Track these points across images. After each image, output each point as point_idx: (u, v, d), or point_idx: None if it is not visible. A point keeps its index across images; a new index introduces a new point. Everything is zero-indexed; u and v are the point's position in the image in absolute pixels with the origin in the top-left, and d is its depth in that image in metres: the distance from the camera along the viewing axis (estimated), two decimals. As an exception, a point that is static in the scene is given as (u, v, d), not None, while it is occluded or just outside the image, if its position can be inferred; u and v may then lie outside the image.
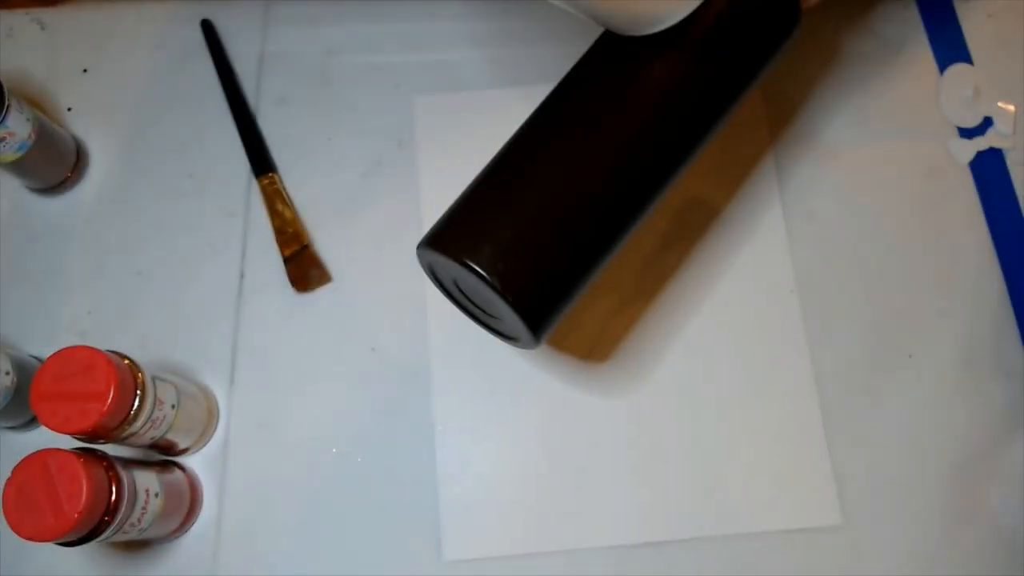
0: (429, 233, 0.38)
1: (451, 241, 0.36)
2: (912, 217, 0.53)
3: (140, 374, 0.41)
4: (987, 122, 0.55)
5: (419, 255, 0.39)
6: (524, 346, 0.39)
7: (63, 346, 0.39)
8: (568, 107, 0.39)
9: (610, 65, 0.39)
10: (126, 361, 0.41)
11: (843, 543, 0.46)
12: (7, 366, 0.45)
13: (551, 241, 0.36)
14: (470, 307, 0.41)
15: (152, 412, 0.41)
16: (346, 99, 0.56)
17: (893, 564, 0.46)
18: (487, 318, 0.41)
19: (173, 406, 0.43)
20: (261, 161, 0.54)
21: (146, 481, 0.42)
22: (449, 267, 0.37)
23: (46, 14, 0.59)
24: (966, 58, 0.56)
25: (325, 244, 0.53)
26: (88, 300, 0.52)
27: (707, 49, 0.37)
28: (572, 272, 0.37)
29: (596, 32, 0.41)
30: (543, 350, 0.50)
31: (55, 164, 0.53)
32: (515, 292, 0.35)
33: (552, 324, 0.37)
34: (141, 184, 0.54)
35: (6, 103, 0.47)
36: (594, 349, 0.50)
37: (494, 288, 0.34)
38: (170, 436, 0.44)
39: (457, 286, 0.40)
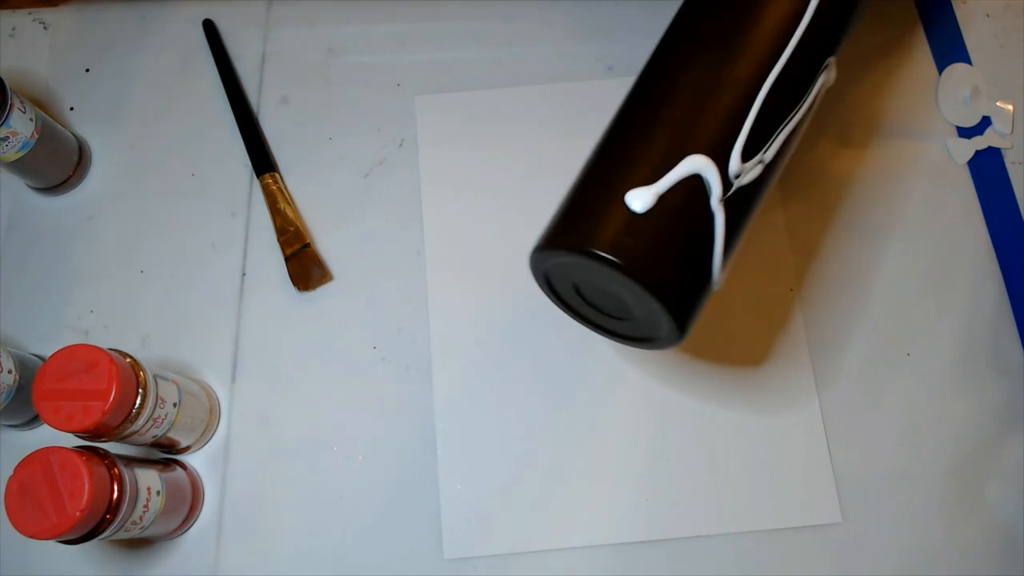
0: (544, 235, 0.34)
1: (575, 235, 0.33)
2: (911, 216, 0.53)
3: (142, 372, 0.41)
4: (986, 121, 0.55)
5: (533, 262, 0.35)
6: (662, 346, 0.36)
7: (65, 344, 0.39)
8: (675, 66, 0.36)
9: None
10: (128, 359, 0.41)
11: (843, 541, 0.46)
12: (9, 364, 0.45)
13: (699, 237, 0.33)
14: (588, 312, 0.38)
15: (154, 410, 0.42)
16: (347, 99, 0.56)
17: (892, 561, 0.46)
18: (609, 321, 0.38)
19: (175, 404, 0.44)
20: (262, 160, 0.54)
21: (148, 479, 0.42)
22: (572, 267, 0.34)
23: (48, 14, 0.59)
24: (965, 58, 0.56)
25: (326, 243, 0.53)
26: (90, 299, 0.52)
27: None
28: (711, 254, 0.34)
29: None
30: (543, 350, 0.50)
31: (57, 163, 0.53)
32: (678, 302, 0.32)
33: (698, 314, 0.34)
34: (143, 183, 0.55)
35: (9, 102, 0.47)
36: (592, 350, 0.50)
37: (635, 277, 0.31)
38: (172, 434, 0.44)
39: (578, 291, 0.37)
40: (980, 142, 0.54)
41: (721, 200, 0.33)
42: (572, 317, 0.39)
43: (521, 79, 0.56)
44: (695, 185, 0.33)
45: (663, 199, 0.33)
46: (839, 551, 0.46)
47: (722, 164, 0.33)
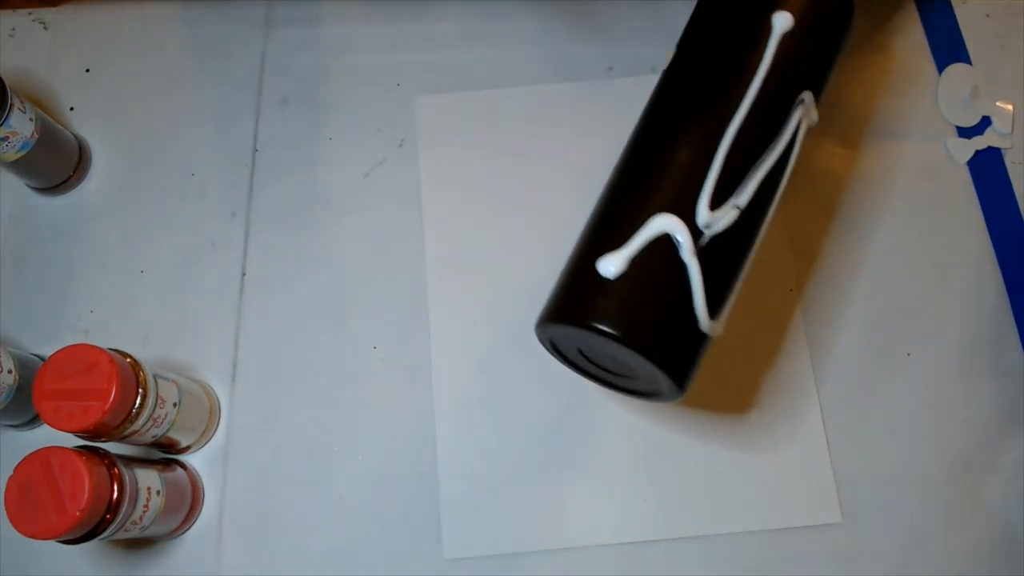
0: (546, 309, 0.36)
1: (574, 309, 0.35)
2: (911, 216, 0.53)
3: (142, 372, 0.41)
4: (985, 121, 0.55)
5: (539, 332, 0.37)
6: (667, 399, 0.38)
7: (65, 344, 0.39)
8: (648, 149, 0.38)
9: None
10: (128, 359, 0.41)
11: (843, 541, 0.46)
12: (10, 364, 0.45)
13: (678, 290, 0.34)
14: (598, 372, 0.40)
15: (154, 410, 0.42)
16: (347, 99, 0.56)
17: (892, 561, 0.46)
18: (617, 379, 0.39)
19: (175, 404, 0.44)
20: None
21: (148, 479, 0.42)
22: (574, 337, 0.36)
23: (48, 14, 0.59)
24: (964, 58, 0.56)
25: (327, 243, 0.53)
26: (90, 298, 0.52)
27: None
28: (692, 305, 0.35)
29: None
30: (543, 349, 0.50)
31: (57, 163, 0.53)
32: (666, 357, 0.33)
33: (695, 365, 0.36)
34: (143, 183, 0.55)
35: (9, 102, 0.47)
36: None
37: (646, 356, 0.33)
38: (172, 434, 0.44)
39: (583, 355, 0.38)
40: (980, 142, 0.54)
41: (693, 252, 0.34)
42: (584, 376, 0.41)
43: (521, 79, 0.56)
44: (665, 243, 0.34)
45: (635, 263, 0.34)
46: (839, 551, 0.46)
47: (689, 218, 0.35)
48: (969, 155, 0.54)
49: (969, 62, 0.56)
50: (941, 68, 0.56)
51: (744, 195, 0.35)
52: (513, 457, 0.48)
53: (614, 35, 0.57)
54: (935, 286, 0.51)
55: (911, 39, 0.57)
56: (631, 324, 0.33)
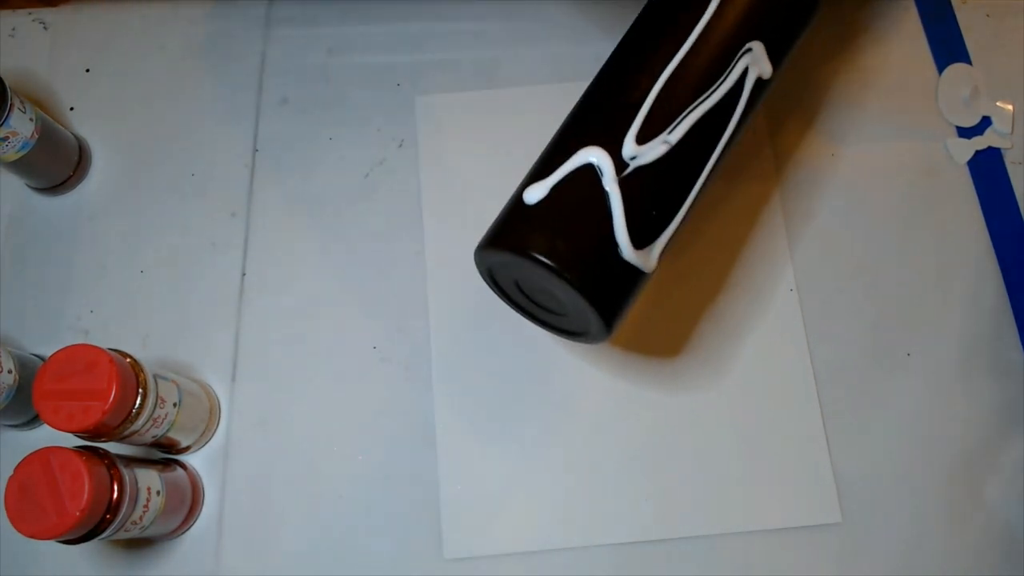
0: (487, 235, 0.37)
1: (513, 237, 0.36)
2: (911, 216, 0.53)
3: (142, 372, 0.41)
4: (985, 121, 0.55)
5: (478, 259, 0.38)
6: (593, 340, 0.39)
7: (65, 344, 0.39)
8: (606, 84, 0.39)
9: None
10: (128, 359, 0.41)
11: (843, 541, 0.46)
12: (10, 364, 0.45)
13: (598, 216, 0.35)
14: (532, 308, 0.41)
15: (154, 410, 0.42)
16: (347, 99, 0.56)
17: (892, 562, 0.46)
18: (551, 316, 0.40)
19: (175, 404, 0.44)
20: None
21: (148, 479, 0.42)
22: (512, 266, 0.36)
23: (48, 14, 0.59)
24: (964, 58, 0.56)
25: (327, 243, 0.53)
26: (90, 298, 0.52)
27: None
28: (646, 277, 0.36)
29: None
30: (543, 350, 0.50)
31: (57, 163, 0.53)
32: (585, 280, 0.34)
33: (624, 311, 0.37)
34: (143, 183, 0.55)
35: (9, 103, 0.47)
36: (594, 349, 0.50)
37: (563, 277, 0.34)
38: (172, 434, 0.44)
39: (519, 287, 0.39)
40: (980, 142, 0.54)
41: (615, 180, 0.35)
42: (519, 313, 0.42)
43: (521, 79, 0.56)
44: (589, 172, 0.36)
45: (559, 189, 0.36)
46: (839, 551, 0.46)
47: (616, 151, 0.36)
48: (969, 155, 0.54)
49: (969, 62, 0.56)
50: (941, 68, 0.56)
51: (676, 133, 0.36)
52: (513, 457, 0.48)
53: (614, 35, 0.57)
54: (935, 286, 0.51)
55: (911, 39, 0.57)
56: (551, 247, 0.34)
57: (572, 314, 0.38)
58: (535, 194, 0.36)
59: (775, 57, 0.39)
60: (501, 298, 0.42)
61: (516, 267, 0.36)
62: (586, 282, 0.34)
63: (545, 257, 0.34)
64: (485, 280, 0.40)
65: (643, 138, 0.36)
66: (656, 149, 0.36)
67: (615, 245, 0.35)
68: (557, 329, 0.41)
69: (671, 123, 0.36)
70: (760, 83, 0.38)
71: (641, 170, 0.36)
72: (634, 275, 0.36)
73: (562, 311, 0.39)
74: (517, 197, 0.37)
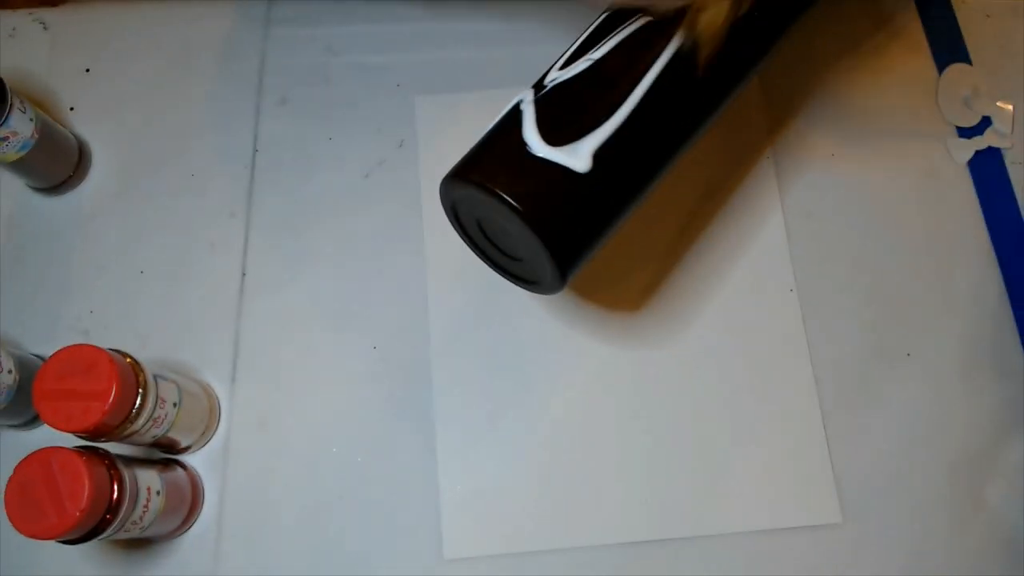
0: (454, 167, 0.38)
1: (472, 168, 0.36)
2: (911, 216, 0.53)
3: (142, 372, 0.41)
4: (985, 122, 0.55)
5: (442, 191, 0.39)
6: (547, 290, 0.39)
7: (65, 344, 0.39)
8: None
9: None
10: (128, 359, 0.41)
11: (843, 541, 0.46)
12: (9, 364, 0.45)
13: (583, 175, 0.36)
14: (491, 252, 0.41)
15: (154, 410, 0.42)
16: (347, 99, 0.56)
17: (893, 562, 0.46)
18: (508, 262, 0.41)
19: (175, 404, 0.44)
20: None
21: (148, 479, 0.42)
22: (474, 201, 0.37)
23: (48, 14, 0.59)
24: (965, 58, 0.56)
25: (327, 243, 0.53)
26: (90, 299, 0.52)
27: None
28: (603, 210, 0.37)
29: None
30: (544, 350, 0.50)
31: (57, 163, 0.53)
32: (541, 221, 0.35)
33: (579, 262, 0.37)
34: (143, 183, 0.55)
35: (9, 103, 0.47)
36: (593, 350, 0.50)
37: (519, 213, 0.34)
38: (172, 434, 0.44)
39: (480, 228, 0.40)
40: (980, 142, 0.54)
41: (532, 101, 0.37)
42: (478, 255, 0.42)
43: (521, 79, 0.56)
44: (516, 109, 0.38)
45: (494, 128, 0.38)
46: (839, 551, 0.46)
47: (541, 84, 0.38)
48: (969, 155, 0.54)
49: (969, 62, 0.56)
50: (941, 68, 0.56)
51: (602, 50, 0.38)
52: (513, 457, 0.48)
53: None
54: (935, 286, 0.51)
55: (911, 39, 0.57)
56: (480, 169, 0.36)
57: (528, 256, 0.38)
58: (479, 138, 0.38)
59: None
60: (468, 244, 0.42)
61: (470, 201, 0.37)
62: (513, 192, 0.35)
63: (471, 176, 0.35)
64: (451, 221, 0.41)
65: (567, 64, 0.38)
66: (578, 67, 0.37)
67: (525, 144, 0.36)
68: (518, 278, 0.41)
69: (597, 46, 0.38)
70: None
71: (560, 85, 0.37)
72: (567, 179, 0.36)
73: (520, 254, 0.39)
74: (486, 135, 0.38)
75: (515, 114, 0.37)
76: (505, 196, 0.35)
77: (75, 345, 0.39)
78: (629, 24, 0.38)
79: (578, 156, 0.36)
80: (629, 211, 0.38)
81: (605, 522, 0.47)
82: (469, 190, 0.36)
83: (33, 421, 0.49)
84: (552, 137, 0.36)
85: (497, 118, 0.38)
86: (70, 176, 0.54)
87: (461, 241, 0.52)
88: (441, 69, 0.57)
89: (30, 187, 0.54)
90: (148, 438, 0.43)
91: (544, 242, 0.35)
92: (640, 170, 0.38)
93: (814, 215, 0.53)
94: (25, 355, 0.48)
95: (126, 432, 0.41)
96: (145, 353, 0.50)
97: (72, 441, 0.39)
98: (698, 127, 0.40)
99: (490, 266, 0.42)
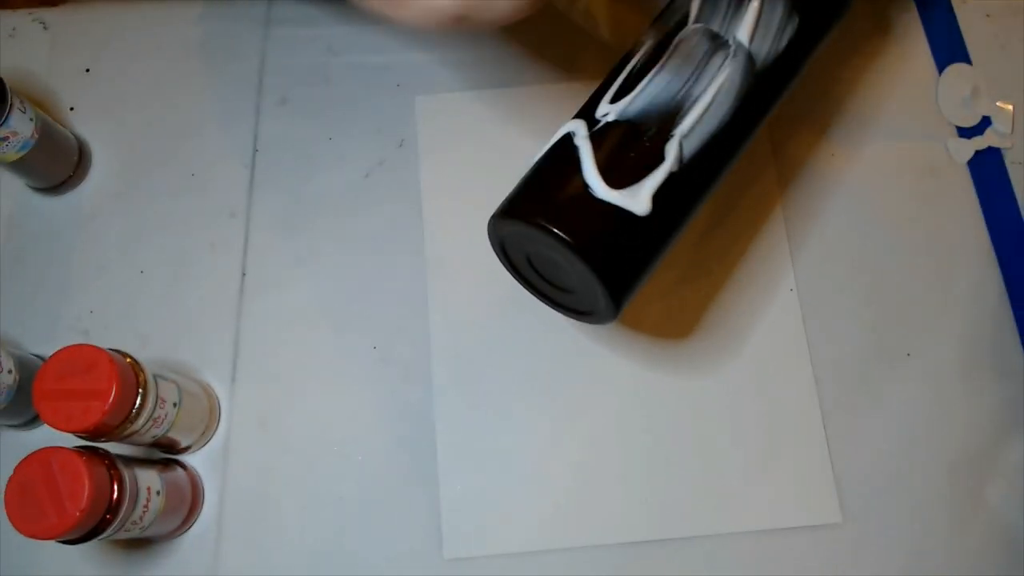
0: (502, 205, 0.38)
1: (527, 207, 0.36)
2: (911, 216, 0.53)
3: (142, 372, 0.41)
4: (986, 121, 0.55)
5: (491, 229, 0.39)
6: (599, 320, 0.39)
7: (65, 344, 0.39)
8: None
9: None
10: (128, 359, 0.41)
11: (843, 541, 0.46)
12: (9, 364, 0.45)
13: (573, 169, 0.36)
14: (541, 285, 0.41)
15: (154, 410, 0.42)
16: (347, 99, 0.56)
17: (893, 562, 0.46)
18: (559, 294, 0.41)
19: (175, 404, 0.44)
20: None
21: (148, 479, 0.42)
22: (523, 237, 0.37)
23: (48, 14, 0.59)
24: (965, 58, 0.56)
25: (327, 243, 0.53)
26: (90, 299, 0.52)
27: None
28: (659, 245, 0.37)
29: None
30: (544, 350, 0.50)
31: (57, 163, 0.53)
32: (602, 262, 0.35)
33: (633, 291, 0.37)
34: (143, 183, 0.55)
35: (9, 103, 0.47)
36: (593, 351, 0.50)
37: (580, 254, 0.34)
38: (172, 434, 0.44)
39: (529, 262, 0.40)
40: (980, 142, 0.54)
41: (586, 136, 0.37)
42: (530, 291, 0.42)
43: (521, 79, 0.56)
44: (567, 140, 0.38)
45: (545, 158, 0.38)
46: (839, 551, 0.46)
47: (592, 116, 0.38)
48: (969, 155, 0.54)
49: (969, 62, 0.56)
50: (941, 68, 0.56)
51: (653, 85, 0.38)
52: (513, 457, 0.48)
53: (614, 35, 0.57)
54: (935, 286, 0.51)
55: (911, 39, 0.57)
56: (539, 208, 0.35)
57: (580, 289, 0.38)
58: (532, 167, 0.38)
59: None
60: (512, 274, 0.42)
61: (520, 238, 0.37)
62: (573, 232, 0.35)
63: (528, 216, 0.35)
64: (497, 254, 0.41)
65: (617, 98, 0.38)
66: (632, 104, 0.37)
67: (587, 187, 0.36)
68: (568, 309, 0.41)
69: (647, 77, 0.38)
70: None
71: (615, 123, 0.37)
72: (624, 220, 0.36)
73: (571, 287, 0.39)
74: (532, 169, 0.38)
75: (568, 149, 0.37)
76: (566, 237, 0.34)
77: (75, 345, 0.39)
78: (677, 50, 0.38)
79: (638, 200, 0.36)
80: (678, 239, 0.39)
81: (605, 522, 0.47)
82: (529, 230, 0.36)
83: (33, 421, 0.49)
84: (613, 179, 0.36)
85: (544, 150, 0.38)
86: (70, 176, 0.54)
87: (461, 241, 0.53)
88: (441, 69, 0.57)
89: (30, 187, 0.54)
90: (148, 438, 0.43)
91: (603, 281, 0.35)
92: (694, 203, 0.38)
93: (814, 215, 0.53)
94: (25, 355, 0.48)
95: (126, 432, 0.41)
96: (145, 353, 0.50)
97: (72, 441, 0.39)
98: (742, 150, 0.40)
99: (537, 296, 0.42)
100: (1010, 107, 0.55)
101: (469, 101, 0.56)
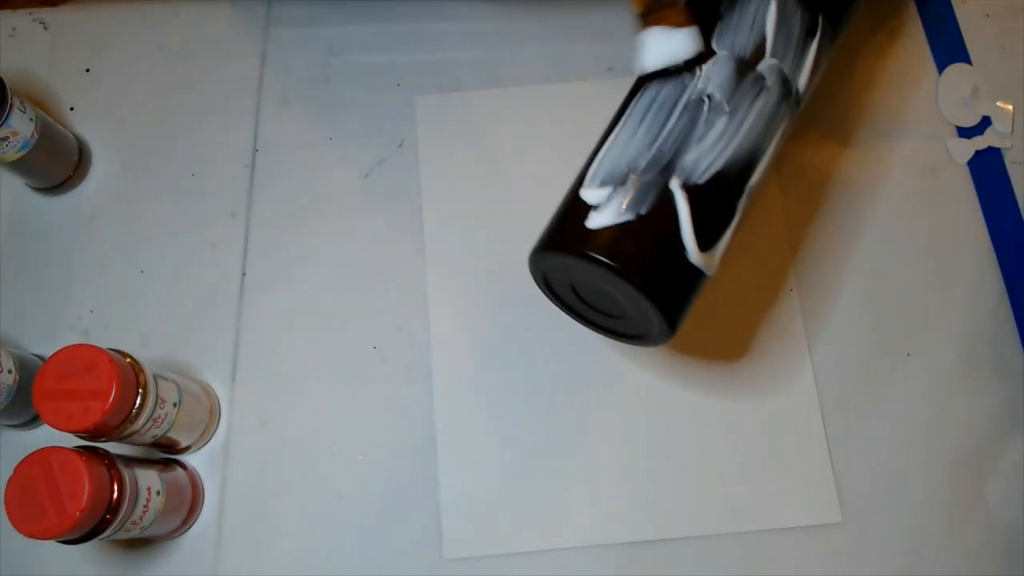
0: (542, 239, 0.36)
1: (574, 239, 0.34)
2: (911, 216, 0.53)
3: (142, 372, 0.41)
4: (985, 121, 0.55)
5: (532, 264, 0.37)
6: (653, 343, 0.38)
7: (65, 344, 0.39)
8: None
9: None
10: (128, 359, 0.41)
11: (843, 541, 0.46)
12: (10, 364, 0.45)
13: (674, 224, 0.34)
14: (586, 312, 0.40)
15: (154, 410, 0.42)
16: (347, 99, 0.56)
17: (892, 562, 0.46)
18: (607, 320, 0.39)
19: (175, 404, 0.44)
20: None
21: (148, 479, 0.42)
22: (567, 268, 0.35)
23: (49, 14, 0.59)
24: (965, 58, 0.56)
25: (327, 243, 0.53)
26: (90, 298, 0.52)
27: None
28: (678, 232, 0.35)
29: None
30: (543, 350, 0.50)
31: (57, 163, 0.53)
32: (652, 284, 0.33)
33: (686, 311, 0.36)
34: (143, 183, 0.55)
35: (9, 103, 0.47)
36: (592, 352, 0.50)
37: (631, 281, 0.33)
38: (172, 434, 0.44)
39: (575, 291, 0.38)
40: (980, 142, 0.54)
41: (681, 186, 0.34)
42: (572, 317, 0.41)
43: (521, 79, 0.56)
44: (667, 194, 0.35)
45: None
46: (839, 551, 0.46)
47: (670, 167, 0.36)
48: (969, 155, 0.54)
49: (969, 62, 0.56)
50: (941, 68, 0.56)
51: (737, 140, 0.36)
52: (513, 457, 0.48)
53: (614, 35, 0.57)
54: (935, 286, 0.51)
55: (911, 39, 0.57)
56: (618, 249, 0.33)
57: (632, 317, 0.37)
58: (596, 196, 0.35)
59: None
60: (553, 302, 0.40)
61: (575, 270, 0.35)
62: (653, 286, 0.33)
63: (611, 260, 0.33)
64: (538, 284, 0.39)
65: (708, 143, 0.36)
66: (721, 155, 0.35)
67: (682, 248, 0.34)
68: (613, 332, 0.40)
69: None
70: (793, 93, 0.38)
71: (711, 181, 0.35)
72: (698, 277, 0.35)
73: (620, 314, 0.38)
74: (573, 198, 0.35)
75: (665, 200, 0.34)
76: (638, 281, 0.33)
77: (75, 345, 0.39)
78: (758, 99, 0.37)
79: (714, 260, 0.35)
80: None
81: (605, 522, 0.47)
82: (599, 271, 0.34)
83: (33, 421, 0.49)
84: (703, 241, 0.34)
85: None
86: (70, 176, 0.54)
87: (461, 241, 0.53)
88: (441, 69, 0.57)
89: (30, 187, 0.54)
90: (148, 438, 0.43)
91: (661, 310, 0.34)
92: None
93: (814, 215, 0.53)
94: (25, 355, 0.48)
95: (126, 432, 0.41)
96: (145, 353, 0.50)
97: (72, 441, 0.40)
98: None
99: (581, 322, 0.41)
100: (1010, 107, 0.55)
101: (469, 101, 0.56)
